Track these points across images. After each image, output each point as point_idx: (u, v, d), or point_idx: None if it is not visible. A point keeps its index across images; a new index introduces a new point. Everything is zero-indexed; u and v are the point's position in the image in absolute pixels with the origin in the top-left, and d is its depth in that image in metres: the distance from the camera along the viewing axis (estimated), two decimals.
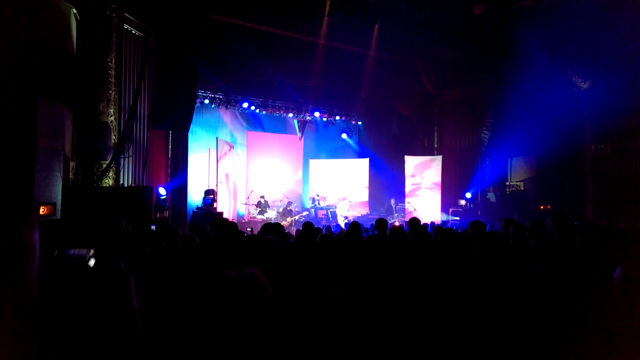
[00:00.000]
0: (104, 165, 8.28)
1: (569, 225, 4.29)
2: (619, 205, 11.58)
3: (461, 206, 14.25)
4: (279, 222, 12.02)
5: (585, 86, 12.93)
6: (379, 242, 3.17)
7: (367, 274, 3.06)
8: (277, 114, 15.36)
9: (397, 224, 12.98)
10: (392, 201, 15.36)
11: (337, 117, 16.42)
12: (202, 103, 13.50)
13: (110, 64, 8.49)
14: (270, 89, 14.15)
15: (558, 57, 11.85)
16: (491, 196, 14.08)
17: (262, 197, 14.42)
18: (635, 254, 3.54)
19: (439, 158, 14.98)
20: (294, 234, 8.82)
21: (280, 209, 14.54)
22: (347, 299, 1.63)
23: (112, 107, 8.59)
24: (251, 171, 15.98)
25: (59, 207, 6.23)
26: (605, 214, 11.49)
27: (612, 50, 11.19)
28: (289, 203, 14.59)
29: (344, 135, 17.52)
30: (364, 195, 16.32)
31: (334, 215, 14.67)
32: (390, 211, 15.28)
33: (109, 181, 8.38)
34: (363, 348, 1.60)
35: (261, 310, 1.25)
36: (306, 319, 2.44)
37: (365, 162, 16.60)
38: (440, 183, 14.75)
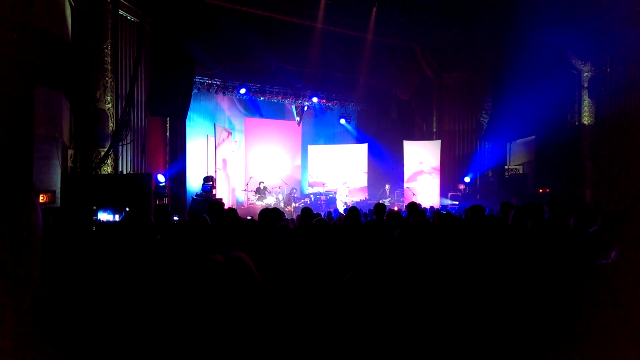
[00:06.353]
0: (102, 153, 8.27)
1: (566, 209, 4.31)
2: (618, 188, 11.60)
3: (460, 190, 14.29)
4: (283, 208, 12.09)
5: (584, 68, 12.86)
6: (377, 226, 3.19)
7: (366, 258, 3.08)
8: (275, 99, 15.27)
9: (395, 208, 13.02)
10: (387, 187, 15.40)
11: (336, 103, 16.33)
12: (199, 89, 13.42)
13: (106, 50, 8.41)
14: (268, 74, 14.03)
15: (557, 39, 11.75)
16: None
17: (261, 183, 14.45)
18: (632, 235, 3.57)
19: (438, 142, 14.97)
20: (295, 219, 8.85)
21: (280, 196, 14.58)
22: (359, 280, 1.65)
23: (109, 94, 8.54)
24: (250, 157, 15.97)
25: (58, 194, 6.24)
26: (604, 197, 11.50)
27: (612, 32, 11.10)
28: (292, 190, 14.64)
29: (343, 121, 17.45)
30: (363, 181, 16.33)
31: (334, 200, 14.73)
32: (383, 195, 15.32)
33: (107, 168, 8.39)
34: (365, 332, 1.62)
35: (249, 294, 1.25)
36: (308, 302, 2.46)
37: (364, 148, 16.57)
38: (439, 167, 14.76)
